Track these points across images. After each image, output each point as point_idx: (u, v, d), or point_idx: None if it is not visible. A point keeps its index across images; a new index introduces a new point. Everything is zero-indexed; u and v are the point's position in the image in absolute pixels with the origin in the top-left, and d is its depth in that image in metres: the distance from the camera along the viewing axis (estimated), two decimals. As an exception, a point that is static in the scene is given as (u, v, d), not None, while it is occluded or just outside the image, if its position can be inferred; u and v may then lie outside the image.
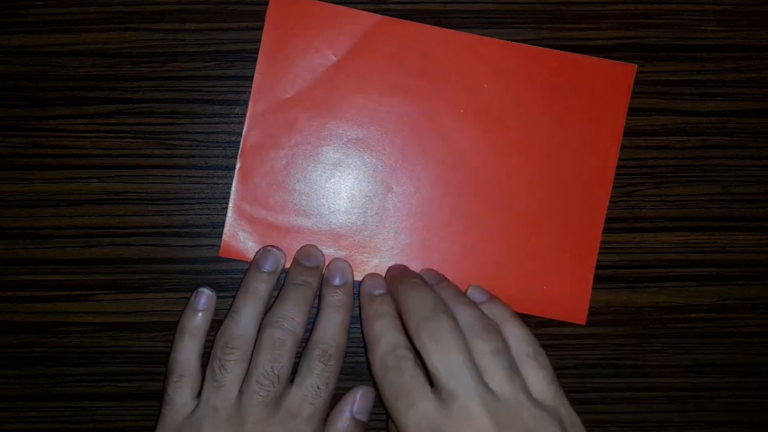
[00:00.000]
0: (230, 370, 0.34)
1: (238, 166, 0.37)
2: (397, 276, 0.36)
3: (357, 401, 0.35)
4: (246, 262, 0.38)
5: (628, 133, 0.39)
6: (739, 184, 0.39)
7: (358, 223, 0.38)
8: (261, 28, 0.38)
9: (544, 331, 0.39)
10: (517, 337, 0.34)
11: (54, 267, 0.38)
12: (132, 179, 0.38)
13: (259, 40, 0.38)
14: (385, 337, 0.33)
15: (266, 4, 0.38)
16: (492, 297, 0.36)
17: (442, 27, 0.38)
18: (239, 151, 0.37)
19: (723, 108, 0.39)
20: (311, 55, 0.37)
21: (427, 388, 0.32)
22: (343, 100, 0.37)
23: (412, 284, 0.35)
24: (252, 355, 0.34)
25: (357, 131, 0.38)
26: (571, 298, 0.38)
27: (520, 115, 0.38)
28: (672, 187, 0.39)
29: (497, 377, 0.32)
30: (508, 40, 0.38)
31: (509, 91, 0.38)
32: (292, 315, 0.34)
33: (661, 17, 0.39)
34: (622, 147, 0.39)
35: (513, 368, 0.32)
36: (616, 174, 0.39)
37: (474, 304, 0.35)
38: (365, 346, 0.35)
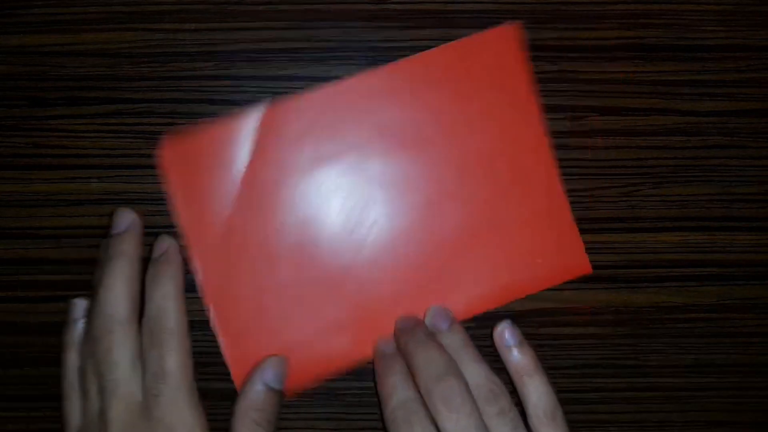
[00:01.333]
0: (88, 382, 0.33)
1: (211, 313, 0.36)
2: (406, 332, 0.36)
3: (268, 371, 0.34)
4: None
5: (628, 132, 0.39)
6: (739, 184, 0.39)
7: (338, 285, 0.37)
8: (261, 28, 0.38)
9: (544, 332, 0.39)
10: (539, 393, 0.34)
11: (54, 267, 0.38)
12: (132, 179, 0.38)
13: (259, 40, 0.38)
14: (396, 392, 0.33)
15: (266, 4, 0.38)
16: (522, 342, 0.36)
17: (440, 29, 0.38)
18: (204, 298, 0.36)
19: (723, 108, 0.39)
20: (221, 176, 0.36)
21: None
22: (272, 196, 0.37)
23: (420, 342, 0.34)
24: None
25: (298, 215, 0.37)
26: (567, 255, 0.38)
27: (436, 124, 0.37)
28: (672, 187, 0.39)
29: None
30: (508, 40, 0.38)
31: (415, 108, 0.37)
32: (108, 299, 0.32)
33: (661, 17, 0.39)
34: (623, 147, 0.39)
35: (518, 428, 0.33)
36: (616, 174, 0.39)
37: (481, 360, 0.35)
38: (378, 403, 0.34)
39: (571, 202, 0.39)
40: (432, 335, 0.35)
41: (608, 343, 0.39)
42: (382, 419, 0.34)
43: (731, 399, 0.40)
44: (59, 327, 0.38)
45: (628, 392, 0.40)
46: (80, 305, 0.35)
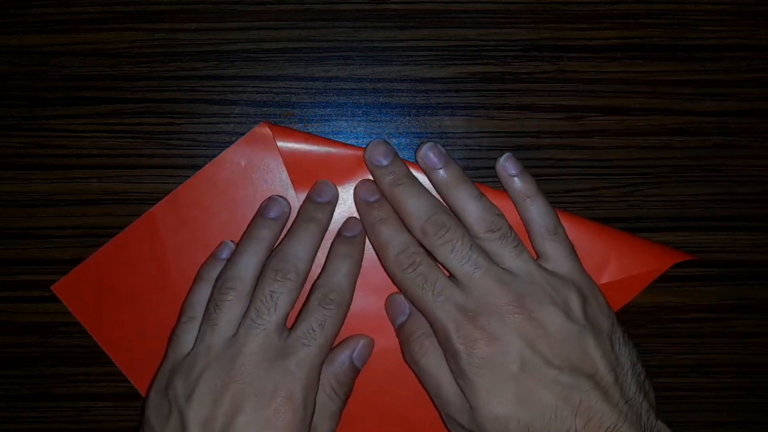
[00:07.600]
0: (225, 309, 0.33)
1: None
2: (384, 171, 0.35)
3: (358, 348, 0.36)
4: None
5: (628, 133, 0.39)
6: (740, 184, 0.39)
7: None
8: (261, 28, 0.38)
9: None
10: (540, 212, 0.35)
11: (54, 267, 0.38)
12: (132, 179, 0.38)
13: (259, 40, 0.38)
14: (393, 240, 0.34)
15: (266, 4, 0.38)
16: (523, 170, 0.36)
17: (440, 29, 0.38)
18: None
19: (723, 108, 0.39)
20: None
21: (445, 276, 0.33)
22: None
23: (406, 186, 0.35)
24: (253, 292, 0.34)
25: None
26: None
27: None
28: (672, 187, 0.39)
29: (507, 257, 0.33)
30: (507, 40, 0.38)
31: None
32: (295, 251, 0.34)
33: (661, 17, 0.39)
34: (623, 147, 0.39)
35: (519, 246, 0.34)
36: (616, 174, 0.39)
37: (480, 195, 0.35)
38: (376, 252, 0.35)
39: (572, 202, 0.39)
40: (410, 175, 0.35)
41: (608, 343, 0.39)
42: (384, 267, 0.34)
43: (731, 399, 0.40)
44: (59, 327, 0.38)
45: (628, 392, 0.40)
46: (230, 247, 0.36)
